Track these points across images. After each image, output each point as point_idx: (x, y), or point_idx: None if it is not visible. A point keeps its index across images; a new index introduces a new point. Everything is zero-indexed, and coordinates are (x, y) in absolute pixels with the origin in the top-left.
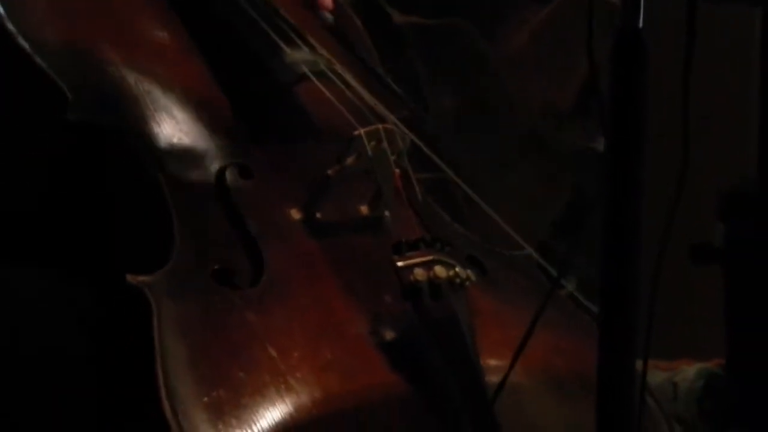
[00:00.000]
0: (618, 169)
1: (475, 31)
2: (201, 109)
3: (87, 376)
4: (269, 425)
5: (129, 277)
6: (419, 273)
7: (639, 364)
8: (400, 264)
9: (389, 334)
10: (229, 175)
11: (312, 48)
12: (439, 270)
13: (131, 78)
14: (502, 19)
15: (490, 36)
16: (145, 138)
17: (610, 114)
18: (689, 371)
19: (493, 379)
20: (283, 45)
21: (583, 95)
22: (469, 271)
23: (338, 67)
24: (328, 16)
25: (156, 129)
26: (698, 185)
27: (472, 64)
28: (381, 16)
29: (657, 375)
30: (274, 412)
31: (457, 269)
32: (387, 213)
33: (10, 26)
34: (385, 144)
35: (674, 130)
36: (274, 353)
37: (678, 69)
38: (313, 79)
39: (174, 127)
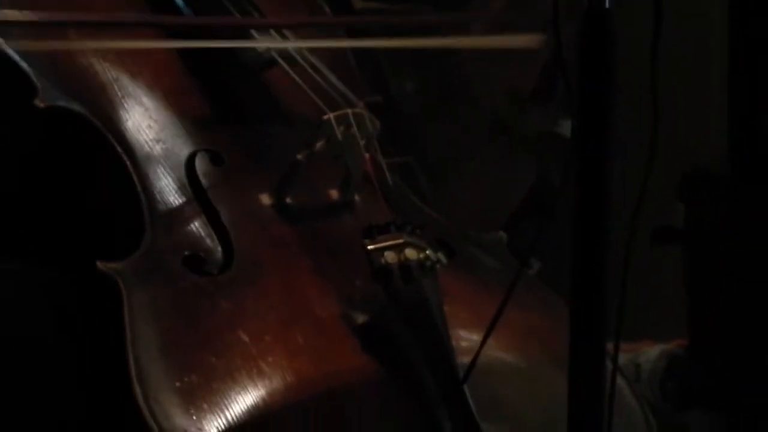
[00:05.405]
0: (587, 153)
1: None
2: (170, 95)
3: (63, 364)
4: (241, 409)
5: (99, 264)
6: (390, 256)
7: (609, 346)
8: (370, 247)
9: (361, 318)
10: (199, 162)
11: (281, 33)
12: (410, 252)
13: (99, 66)
14: (462, 4)
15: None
16: (113, 125)
17: (578, 97)
18: (651, 353)
19: (465, 360)
20: (251, 30)
21: (544, 79)
22: (439, 254)
23: (307, 52)
24: None
25: (125, 116)
26: (658, 166)
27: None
28: (343, 1)
29: (619, 357)
30: (246, 396)
31: (427, 252)
32: (357, 197)
33: None
34: (354, 128)
35: (636, 110)
36: (245, 338)
37: (644, 51)
38: (282, 63)
39: (143, 113)
